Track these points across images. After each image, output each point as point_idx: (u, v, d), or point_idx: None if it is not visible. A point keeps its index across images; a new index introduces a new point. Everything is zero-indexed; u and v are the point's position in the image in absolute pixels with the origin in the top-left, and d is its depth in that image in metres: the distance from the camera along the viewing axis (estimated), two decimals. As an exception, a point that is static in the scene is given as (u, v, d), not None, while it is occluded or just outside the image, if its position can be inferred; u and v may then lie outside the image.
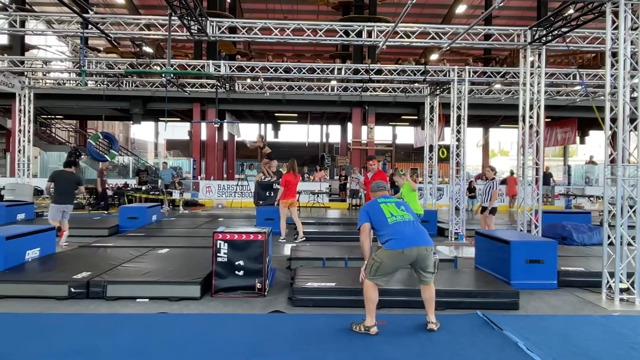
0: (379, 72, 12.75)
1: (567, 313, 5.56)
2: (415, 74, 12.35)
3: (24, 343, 4.14)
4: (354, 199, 19.05)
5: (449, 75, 11.75)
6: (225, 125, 22.31)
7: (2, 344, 4.13)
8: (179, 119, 27.44)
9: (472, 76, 12.45)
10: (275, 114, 28.01)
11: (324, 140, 36.35)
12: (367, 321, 4.57)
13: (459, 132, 11.57)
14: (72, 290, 5.54)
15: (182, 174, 21.45)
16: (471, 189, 18.07)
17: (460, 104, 11.49)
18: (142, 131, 39.32)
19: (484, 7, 24.73)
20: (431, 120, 13.83)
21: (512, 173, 22.24)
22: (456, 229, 11.04)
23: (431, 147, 13.52)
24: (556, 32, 8.34)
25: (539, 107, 8.79)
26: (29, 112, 14.22)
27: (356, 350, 4.15)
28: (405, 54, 29.62)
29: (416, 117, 22.61)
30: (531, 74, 8.85)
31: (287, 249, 9.00)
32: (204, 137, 23.10)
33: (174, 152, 37.84)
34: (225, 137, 26.65)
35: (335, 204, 19.92)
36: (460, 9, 27.41)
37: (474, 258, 7.68)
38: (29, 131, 14.22)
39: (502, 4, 7.43)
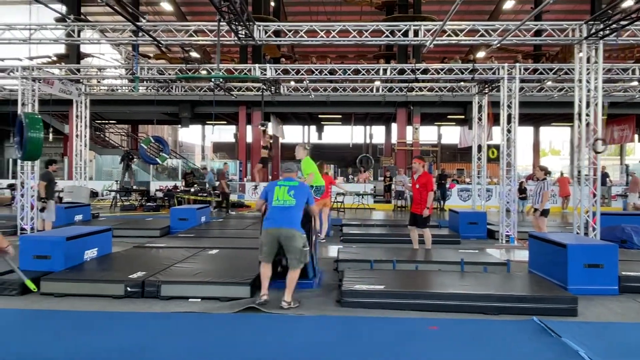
0: (426, 71, 12.56)
1: (631, 320, 5.28)
2: (463, 73, 12.08)
3: (85, 340, 4.33)
4: (399, 200, 18.86)
5: (499, 73, 11.43)
6: (269, 127, 22.57)
7: (65, 340, 4.33)
8: (225, 122, 28.02)
9: (523, 73, 12.05)
10: (319, 116, 28.11)
11: (368, 141, 36.17)
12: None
13: (509, 131, 11.24)
14: (128, 289, 5.73)
15: (228, 176, 21.86)
16: (522, 190, 17.50)
17: (511, 103, 11.15)
18: (190, 134, 40.34)
19: (533, 2, 23.96)
20: (479, 119, 13.51)
21: (562, 174, 21.47)
22: (507, 231, 10.72)
23: (480, 147, 13.19)
24: (614, 25, 7.96)
25: (595, 104, 8.42)
26: (85, 117, 14.87)
27: (409, 355, 4.10)
28: (451, 52, 29.09)
29: (463, 117, 22.14)
30: (587, 70, 8.49)
31: (332, 251, 9.02)
32: (249, 139, 23.48)
33: (220, 154, 38.62)
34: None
35: (381, 206, 19.78)
36: (508, 4, 26.65)
37: (527, 262, 7.44)
38: (85, 136, 14.87)
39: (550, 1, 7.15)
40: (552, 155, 46.79)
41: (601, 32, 8.22)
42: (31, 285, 3.74)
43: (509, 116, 11.18)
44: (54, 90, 13.08)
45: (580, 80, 8.52)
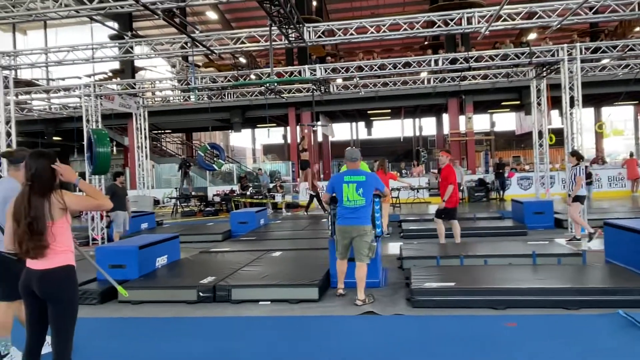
0: (479, 59, 12.20)
1: None
2: (519, 57, 11.63)
3: (166, 346, 4.48)
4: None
5: (558, 55, 10.94)
6: (319, 126, 22.69)
7: (147, 347, 4.51)
8: (274, 125, 28.38)
9: (584, 53, 11.46)
10: (368, 112, 27.93)
11: (418, 133, 35.61)
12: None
13: (571, 114, 10.73)
14: (201, 294, 5.88)
15: (281, 177, 22.14)
16: (588, 175, 16.66)
17: (573, 85, 10.63)
18: (240, 138, 41.18)
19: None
20: (538, 104, 12.97)
21: (631, 155, 20.28)
22: (576, 220, 10.22)
23: (540, 133, 12.68)
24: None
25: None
26: (144, 129, 15.47)
27: (485, 351, 3.99)
28: (501, 37, 28.12)
29: (518, 102, 21.36)
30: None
31: (392, 248, 8.92)
32: (300, 139, 23.66)
33: (271, 156, 39.18)
34: (320, 139, 27.07)
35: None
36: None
37: (603, 251, 7.08)
38: (145, 147, 15.49)
39: None
40: (615, 136, 44.23)
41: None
42: (122, 291, 3.93)
43: (571, 99, 10.66)
44: (114, 105, 13.69)
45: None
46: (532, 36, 24.84)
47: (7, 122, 9.06)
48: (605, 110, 31.15)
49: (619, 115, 38.39)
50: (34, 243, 2.97)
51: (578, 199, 8.71)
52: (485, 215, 12.59)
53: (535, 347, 4.06)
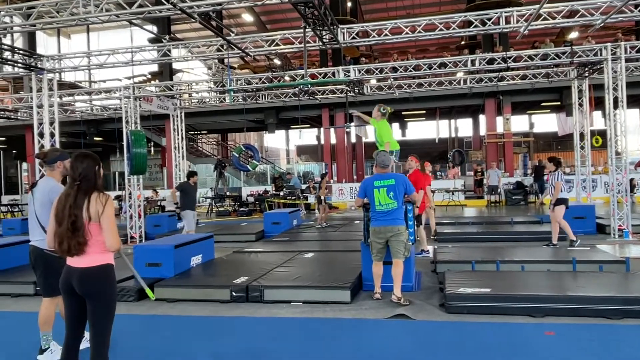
0: (518, 59, 11.91)
1: None
2: (559, 57, 11.29)
3: (198, 344, 4.55)
4: (493, 196, 18.06)
5: (601, 54, 10.55)
6: (353, 127, 22.66)
7: (183, 345, 4.58)
8: (308, 125, 28.49)
9: (629, 52, 11.02)
10: (402, 113, 27.70)
11: (453, 135, 35.07)
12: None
13: (615, 116, 10.35)
14: (234, 294, 5.94)
15: (314, 178, 22.20)
16: (630, 180, 16.03)
17: (617, 85, 10.25)
18: (274, 139, 41.55)
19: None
20: (580, 104, 12.57)
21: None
22: (620, 225, 9.85)
23: (582, 135, 12.27)
24: None
25: None
26: (181, 130, 15.80)
27: (526, 363, 3.89)
28: (541, 36, 27.41)
29: (559, 103, 20.76)
30: None
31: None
32: (333, 140, 23.69)
33: (305, 157, 39.36)
34: (353, 139, 27.03)
35: (472, 202, 19.08)
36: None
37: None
38: (182, 147, 15.81)
39: None
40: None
41: None
42: (150, 294, 3.97)
43: (615, 99, 10.28)
44: (153, 106, 14.03)
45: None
46: (573, 35, 24.11)
47: (51, 123, 9.41)
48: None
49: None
50: (75, 240, 3.06)
51: (562, 202, 8.33)
52: (522, 219, 12.28)
53: (575, 358, 3.92)
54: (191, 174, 10.20)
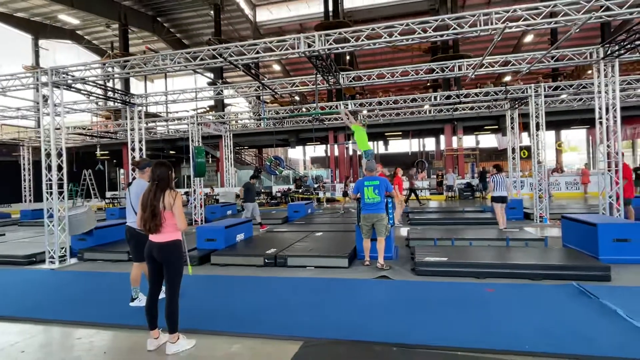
0: (467, 95, 11.78)
1: (662, 285, 4.50)
2: (497, 94, 11.15)
3: (240, 295, 4.56)
4: (449, 192, 17.88)
5: (527, 92, 10.41)
6: (350, 144, 22.59)
7: (228, 295, 4.60)
8: (319, 142, 28.40)
9: (547, 91, 10.85)
10: (385, 133, 27.55)
11: (422, 149, 34.76)
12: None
13: (537, 136, 10.19)
14: (266, 261, 5.96)
15: (323, 180, 22.14)
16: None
17: (538, 114, 10.10)
18: (295, 152, 41.49)
19: (550, 33, 21.62)
20: (512, 128, 12.40)
21: (586, 165, 19.06)
22: (540, 213, 9.70)
23: (513, 149, 12.13)
24: (629, 45, 6.90)
25: (614, 110, 7.35)
26: (230, 146, 15.84)
27: (470, 309, 3.84)
28: (484, 78, 27.15)
29: (497, 127, 20.53)
30: (605, 84, 7.43)
31: (402, 232, 8.74)
32: (337, 153, 23.62)
33: (316, 165, 39.24)
34: (351, 152, 26.91)
35: (435, 197, 18.92)
36: (528, 38, 24.31)
37: (560, 237, 6.67)
38: (231, 158, 15.85)
39: (570, 35, 6.33)
40: (571, 151, 41.76)
41: (616, 52, 7.15)
42: (190, 270, 3.70)
43: (537, 124, 10.13)
44: (210, 129, 14.10)
45: (599, 92, 7.48)
46: (507, 78, 23.89)
47: (140, 141, 9.49)
48: (564, 132, 29.44)
49: (574, 136, 36.15)
50: (154, 222, 3.10)
51: (498, 199, 7.93)
52: (471, 209, 12.14)
53: (508, 307, 3.88)
54: (254, 176, 10.09)
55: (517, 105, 11.87)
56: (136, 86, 30.14)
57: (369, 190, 5.57)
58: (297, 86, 9.74)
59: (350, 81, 9.06)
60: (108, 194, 22.14)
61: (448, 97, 11.97)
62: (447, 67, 8.62)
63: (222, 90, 10.75)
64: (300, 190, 18.51)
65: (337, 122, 17.73)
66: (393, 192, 5.88)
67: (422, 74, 8.57)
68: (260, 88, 9.87)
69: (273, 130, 18.62)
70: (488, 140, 32.06)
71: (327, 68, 7.61)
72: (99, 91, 8.77)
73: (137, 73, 7.69)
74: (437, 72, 8.72)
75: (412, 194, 15.41)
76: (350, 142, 21.15)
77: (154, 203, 3.11)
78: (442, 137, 24.83)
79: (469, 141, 33.05)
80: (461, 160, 20.93)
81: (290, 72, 30.72)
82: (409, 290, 4.58)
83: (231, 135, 16.13)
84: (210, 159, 23.96)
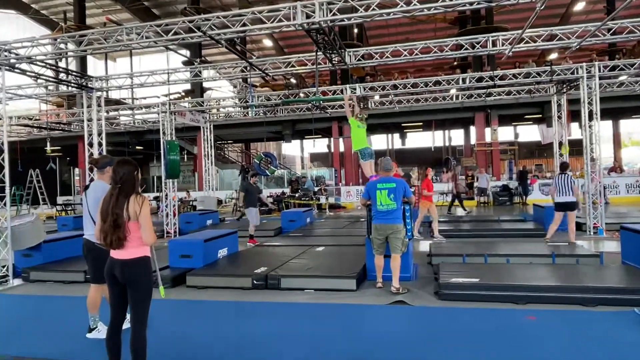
0: (503, 77, 11.80)
1: None
2: (540, 75, 11.17)
3: (222, 326, 4.56)
4: (482, 197, 17.89)
5: (577, 73, 10.42)
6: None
7: (211, 326, 4.60)
8: (320, 136, 28.48)
9: (602, 71, 10.86)
10: (402, 124, 27.59)
11: (447, 144, 34.80)
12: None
13: (590, 127, 10.20)
14: (255, 282, 5.95)
15: (325, 182, 22.16)
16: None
17: (592, 100, 10.11)
18: (291, 148, 41.57)
19: (605, 1, 21.65)
20: (559, 117, 12.41)
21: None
22: (595, 223, 9.69)
23: (560, 144, 12.12)
24: None
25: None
26: (210, 140, 15.89)
27: (507, 342, 3.83)
28: (524, 56, 27.14)
29: (540, 115, 20.52)
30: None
31: (424, 246, 8.74)
32: (342, 149, 23.66)
33: (317, 163, 39.30)
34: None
35: (464, 202, 18.86)
36: (579, 6, 24.32)
37: (619, 253, 6.66)
38: (211, 155, 15.89)
39: (630, 2, 6.33)
40: (633, 146, 41.72)
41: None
42: (162, 292, 3.59)
43: (590, 112, 10.14)
44: (185, 120, 14.13)
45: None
46: (553, 56, 23.88)
47: (99, 134, 9.53)
48: (623, 123, 29.41)
49: (636, 127, 36.15)
50: (116, 235, 3.11)
51: (562, 206, 7.97)
52: (508, 218, 12.15)
53: (554, 340, 3.87)
54: (252, 175, 10.12)
55: (565, 90, 11.88)
56: (94, 67, 30.26)
57: (382, 194, 5.52)
58: (293, 66, 9.77)
59: (359, 60, 9.08)
60: (60, 200, 22.20)
61: (480, 80, 11.98)
62: (478, 43, 8.64)
63: (200, 72, 10.78)
64: (297, 195, 18.54)
65: (342, 111, 17.74)
66: (412, 197, 5.88)
67: (447, 51, 8.59)
68: (248, 69, 9.90)
69: (263, 120, 18.65)
70: (529, 133, 32.11)
71: (330, 44, 7.63)
72: (49, 73, 8.81)
73: (95, 50, 7.73)
74: (466, 49, 8.73)
75: (456, 200, 15.36)
76: (345, 137, 21.20)
77: (116, 211, 3.12)
78: (472, 129, 24.85)
79: (505, 134, 33.14)
80: (496, 158, 20.94)
81: (284, 50, 30.80)
82: (432, 319, 4.58)
83: (211, 126, 16.17)
84: (186, 156, 24.02)
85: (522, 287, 5.00)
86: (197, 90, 23.85)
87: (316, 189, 19.56)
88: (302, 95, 15.53)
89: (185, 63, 22.63)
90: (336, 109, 17.34)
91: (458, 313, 4.67)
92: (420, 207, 9.75)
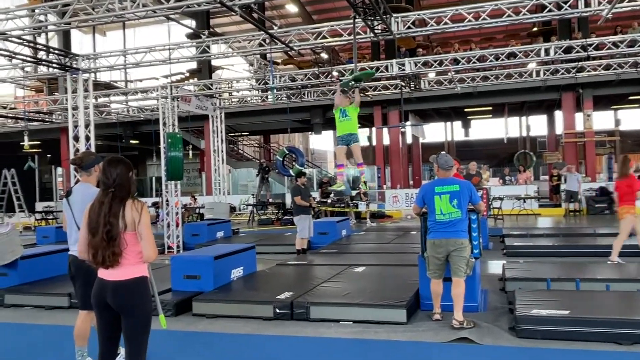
0: (599, 47, 11.48)
1: None
2: (651, 43, 10.82)
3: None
4: (572, 204, 17.40)
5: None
6: (409, 127, 22.49)
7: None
8: (359, 125, 28.43)
9: None
10: (465, 110, 27.24)
11: (525, 134, 34.13)
12: None
13: None
14: (277, 311, 5.98)
15: (363, 183, 22.08)
16: None
17: None
18: (321, 141, 41.75)
19: None
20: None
21: None
22: None
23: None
24: None
25: None
26: (221, 132, 16.17)
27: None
28: (627, 19, 26.27)
29: (650, 96, 19.85)
30: None
31: (494, 267, 8.59)
32: (386, 142, 23.56)
33: (353, 160, 39.31)
34: (409, 140, 26.79)
35: (548, 210, 18.49)
36: None
37: None
38: (222, 150, 16.16)
39: None
40: None
41: None
42: (162, 322, 3.71)
43: None
44: (191, 107, 14.44)
45: None
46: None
47: (87, 126, 9.86)
48: None
49: None
50: (111, 250, 3.14)
51: None
52: (608, 230, 11.72)
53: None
54: (299, 174, 10.34)
55: (684, 61, 11.44)
56: (80, 42, 31.26)
57: (442, 200, 5.44)
58: (324, 38, 9.81)
59: (409, 28, 9.03)
60: (40, 206, 22.98)
61: (568, 50, 11.69)
62: (565, 2, 8.43)
63: (208, 46, 10.98)
64: (328, 201, 18.58)
65: (387, 93, 17.78)
66: (481, 203, 5.78)
67: (525, 14, 8.43)
68: (267, 42, 10.00)
69: (287, 106, 18.79)
70: (635, 120, 31.06)
71: (372, 8, 7.62)
72: (26, 51, 9.18)
73: (82, 23, 8.00)
74: (550, 10, 8.53)
75: None
76: (408, 123, 21.07)
77: (109, 221, 3.17)
78: (557, 115, 24.24)
79: (603, 120, 32.18)
80: (590, 152, 20.40)
81: (313, 17, 30.95)
82: (506, 361, 4.49)
83: (223, 115, 16.45)
84: (191, 152, 24.50)
85: (627, 323, 4.82)
86: (204, 69, 24.26)
87: (354, 193, 19.54)
88: (335, 74, 15.59)
89: (190, 36, 23.03)
90: (379, 90, 17.34)
91: (541, 355, 4.58)
92: (623, 218, 8.28)
